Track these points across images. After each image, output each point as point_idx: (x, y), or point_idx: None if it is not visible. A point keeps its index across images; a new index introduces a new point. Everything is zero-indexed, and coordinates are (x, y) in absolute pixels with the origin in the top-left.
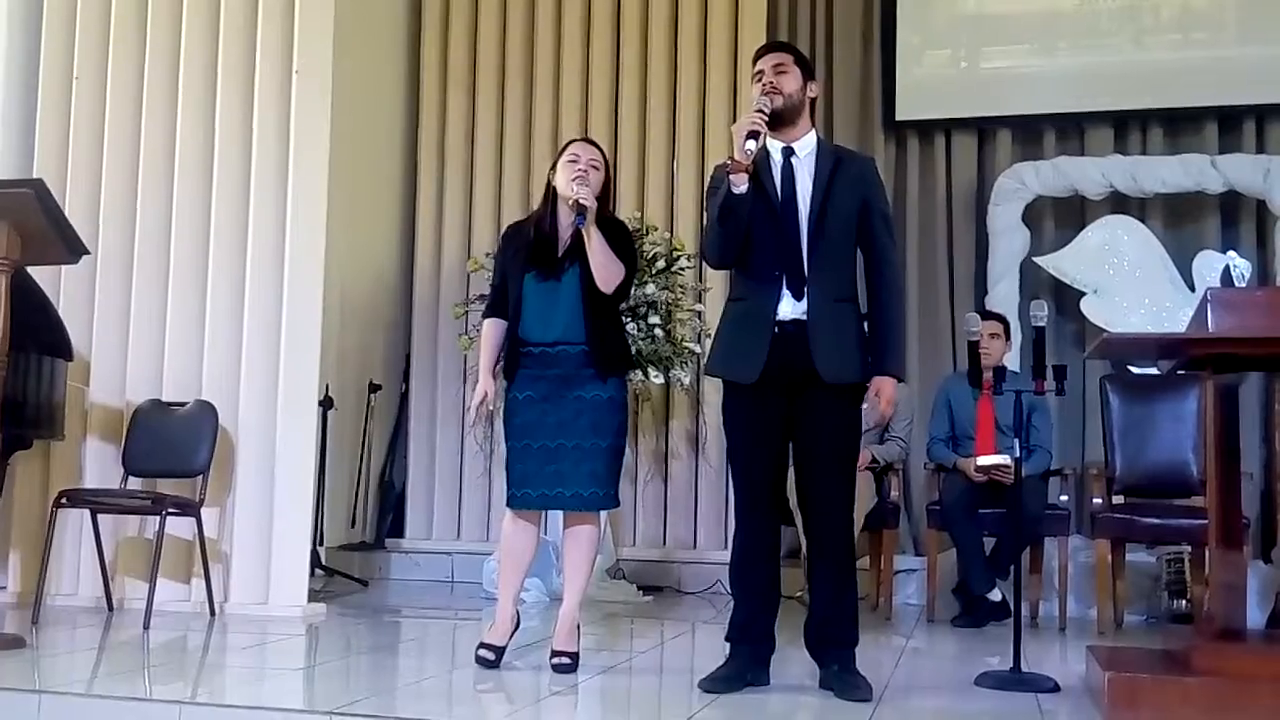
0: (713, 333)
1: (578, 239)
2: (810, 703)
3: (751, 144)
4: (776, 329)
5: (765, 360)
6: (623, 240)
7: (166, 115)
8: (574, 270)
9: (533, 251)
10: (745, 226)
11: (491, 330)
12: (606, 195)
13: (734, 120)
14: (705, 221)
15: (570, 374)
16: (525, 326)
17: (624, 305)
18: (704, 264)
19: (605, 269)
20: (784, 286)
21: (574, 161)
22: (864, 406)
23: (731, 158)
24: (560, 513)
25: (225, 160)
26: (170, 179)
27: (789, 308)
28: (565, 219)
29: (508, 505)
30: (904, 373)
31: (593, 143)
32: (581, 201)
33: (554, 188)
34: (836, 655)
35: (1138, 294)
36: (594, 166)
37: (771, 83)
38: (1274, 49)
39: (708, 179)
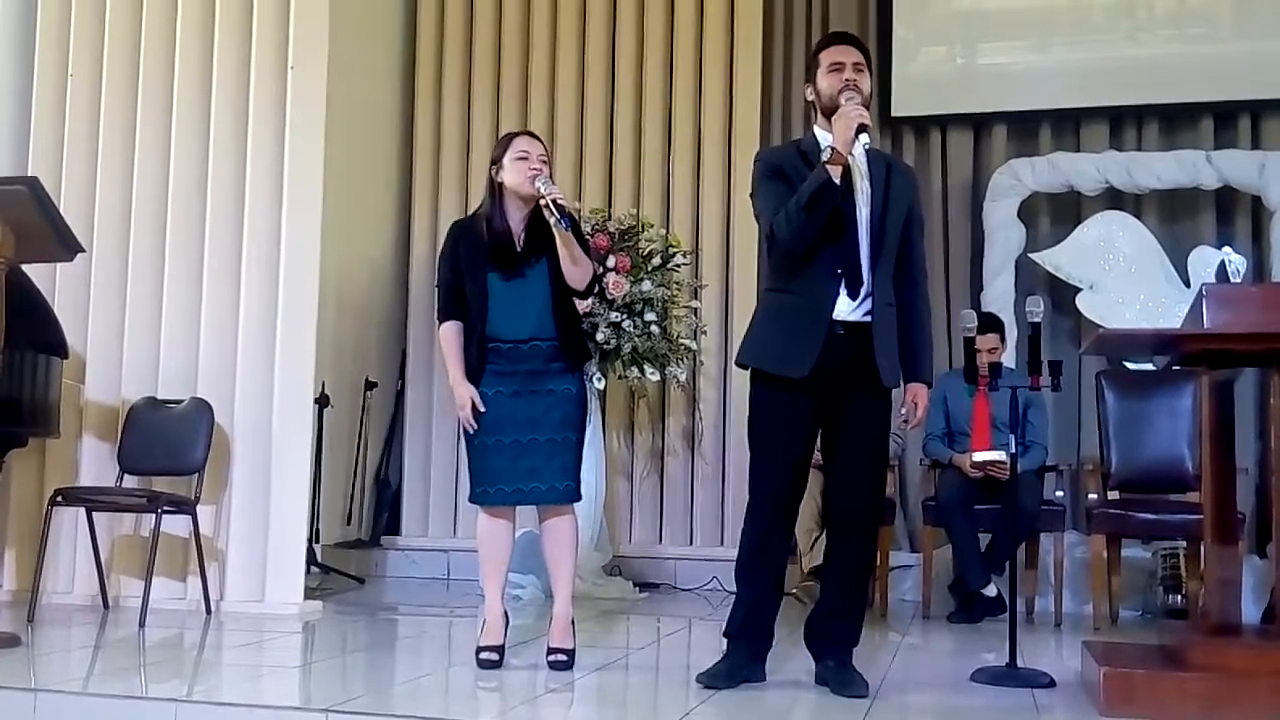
0: (707, 329)
1: (534, 234)
2: (807, 699)
3: (864, 137)
4: (830, 328)
5: (817, 357)
6: (580, 234)
7: (161, 112)
8: (541, 266)
9: (493, 249)
10: (828, 217)
11: (454, 333)
12: None
13: (730, 115)
14: (758, 205)
15: (539, 369)
16: (494, 324)
17: (619, 302)
18: (699, 261)
19: (577, 269)
20: (841, 285)
21: (524, 159)
22: (902, 411)
23: (833, 148)
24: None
25: (220, 157)
26: (165, 176)
27: (845, 307)
28: (516, 214)
29: (476, 502)
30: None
31: (536, 136)
32: (559, 201)
33: (499, 184)
34: (835, 652)
35: (1133, 290)
36: (543, 161)
37: (854, 81)
38: (1269, 44)
39: (703, 175)
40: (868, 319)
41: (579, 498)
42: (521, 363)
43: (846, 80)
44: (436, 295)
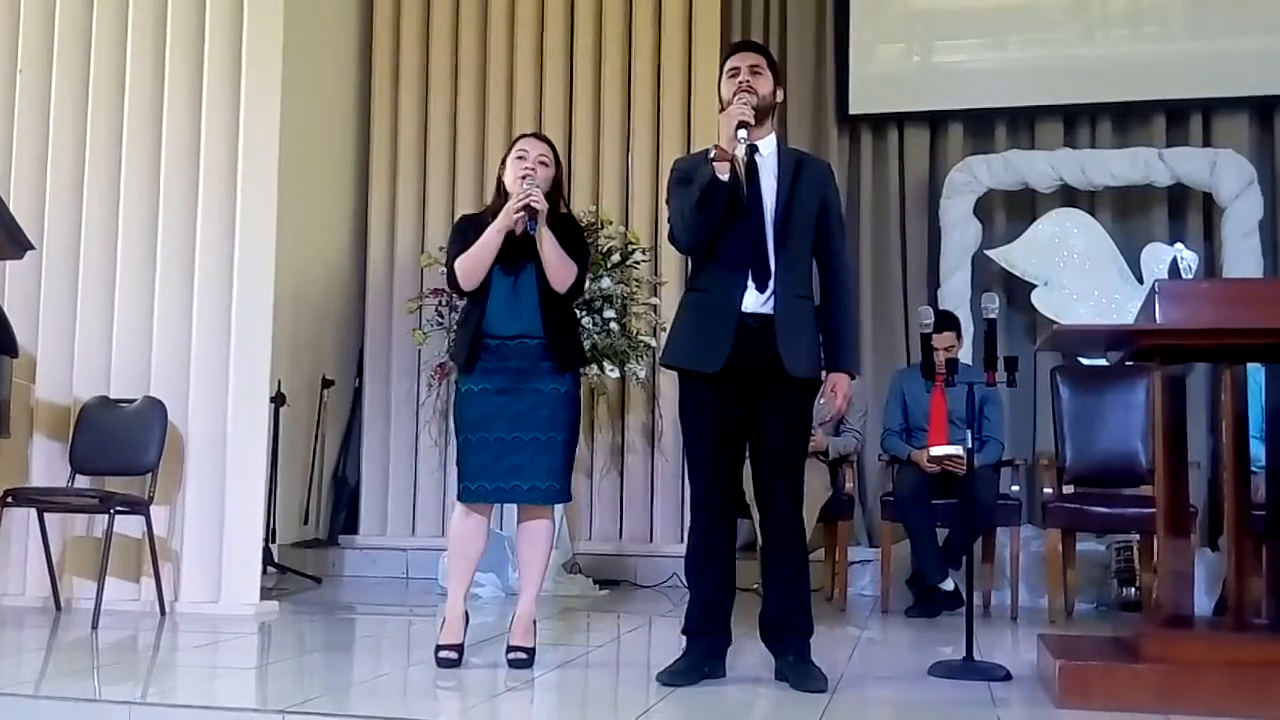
0: (666, 325)
1: (529, 235)
2: (766, 694)
3: (743, 133)
4: (740, 322)
5: (729, 351)
6: (575, 237)
7: (113, 109)
8: (530, 267)
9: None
10: (722, 213)
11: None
12: (559, 189)
13: (688, 114)
14: (670, 211)
15: (528, 367)
16: (490, 319)
17: (579, 299)
18: (658, 258)
19: (558, 270)
20: (749, 279)
21: (521, 158)
22: (820, 401)
23: (718, 145)
24: (514, 507)
25: (173, 154)
26: (117, 174)
27: (753, 300)
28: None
29: (460, 499)
30: (858, 369)
31: (542, 138)
32: (533, 205)
33: (504, 183)
34: (792, 645)
35: (1087, 286)
36: (542, 163)
37: (748, 82)
38: (1220, 44)
39: (663, 172)
40: (770, 311)
41: (564, 499)
42: (510, 359)
43: (740, 83)
44: (446, 273)
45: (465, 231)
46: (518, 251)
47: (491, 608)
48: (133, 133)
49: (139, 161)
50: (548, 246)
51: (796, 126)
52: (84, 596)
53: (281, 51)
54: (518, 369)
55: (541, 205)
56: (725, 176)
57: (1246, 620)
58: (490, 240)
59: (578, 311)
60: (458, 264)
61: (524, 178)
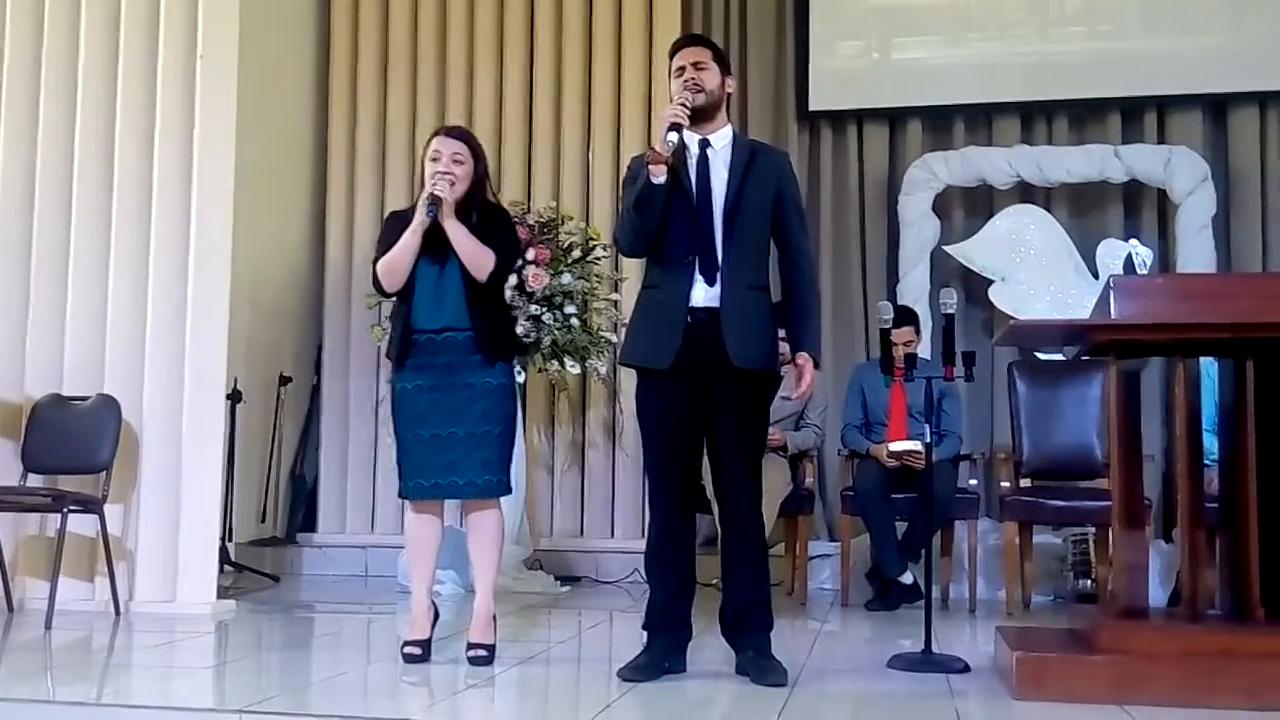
0: (626, 321)
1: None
2: (727, 688)
3: (673, 136)
4: (689, 316)
5: (679, 346)
6: (502, 225)
7: (66, 101)
8: (455, 259)
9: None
10: (660, 217)
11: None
12: (482, 182)
13: (649, 109)
14: (619, 209)
15: (456, 361)
16: (415, 313)
17: (539, 295)
18: (618, 254)
19: (472, 257)
20: (696, 273)
21: (435, 160)
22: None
23: (652, 148)
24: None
25: (127, 148)
26: (70, 168)
27: (701, 294)
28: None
29: (400, 496)
30: (820, 357)
31: (455, 134)
32: (435, 193)
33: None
34: (752, 640)
35: (1044, 281)
36: (456, 161)
37: (693, 79)
38: (1175, 41)
39: (623, 168)
40: (717, 304)
41: (505, 491)
42: (438, 355)
43: (685, 81)
44: (372, 271)
45: (392, 231)
46: (443, 244)
47: (452, 605)
48: (86, 125)
49: (92, 155)
50: (455, 234)
51: (756, 123)
52: (37, 597)
53: (238, 47)
54: (446, 364)
55: (445, 194)
56: (659, 180)
57: (1200, 611)
58: (408, 242)
59: (538, 307)
60: (379, 266)
61: (435, 176)
